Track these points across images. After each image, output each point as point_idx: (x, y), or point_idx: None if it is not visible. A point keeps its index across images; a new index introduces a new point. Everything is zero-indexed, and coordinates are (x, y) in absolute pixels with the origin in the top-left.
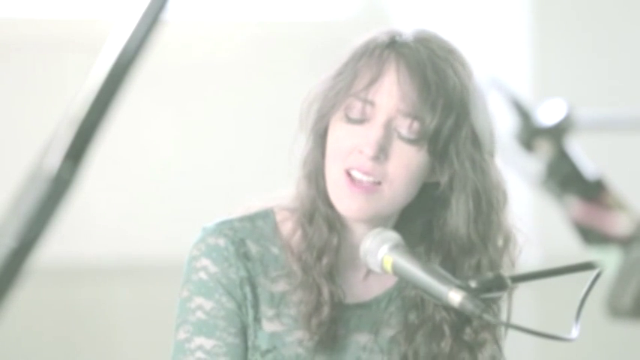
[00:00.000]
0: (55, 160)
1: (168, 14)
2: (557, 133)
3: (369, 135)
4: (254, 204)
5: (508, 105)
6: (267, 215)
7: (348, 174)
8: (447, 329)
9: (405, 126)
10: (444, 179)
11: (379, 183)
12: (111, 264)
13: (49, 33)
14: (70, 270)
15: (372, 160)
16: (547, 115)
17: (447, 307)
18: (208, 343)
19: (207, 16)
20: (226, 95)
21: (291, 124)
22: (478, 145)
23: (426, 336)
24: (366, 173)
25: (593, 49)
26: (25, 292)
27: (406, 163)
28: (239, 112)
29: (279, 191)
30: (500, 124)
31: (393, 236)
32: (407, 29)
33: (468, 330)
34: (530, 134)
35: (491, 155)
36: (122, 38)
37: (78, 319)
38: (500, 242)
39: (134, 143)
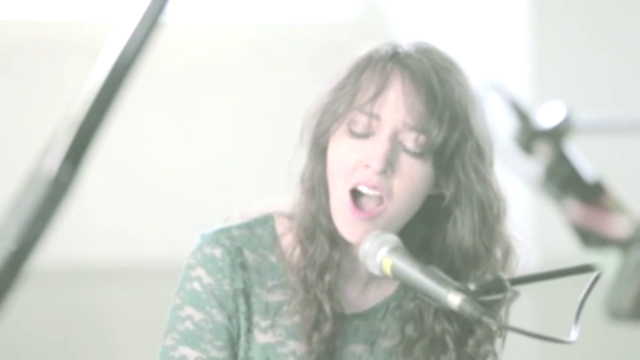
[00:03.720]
0: (54, 162)
1: (168, 17)
2: (557, 135)
3: (376, 149)
4: (250, 209)
5: (507, 107)
6: (266, 222)
7: (353, 195)
8: (450, 341)
9: (410, 139)
10: (449, 192)
11: (382, 200)
12: (110, 266)
13: (49, 35)
14: (68, 272)
15: (379, 175)
16: (546, 118)
17: (450, 319)
18: (192, 354)
19: (205, 18)
20: (225, 98)
21: (290, 126)
22: (482, 157)
23: (425, 349)
24: (372, 187)
25: (593, 52)
26: (24, 295)
27: (411, 177)
28: (238, 114)
29: (276, 200)
30: (499, 127)
31: (392, 239)
32: (405, 41)
33: (470, 342)
34: (529, 137)
35: (492, 165)
36: (121, 40)
37: (77, 321)
38: (500, 253)
39: (133, 146)
